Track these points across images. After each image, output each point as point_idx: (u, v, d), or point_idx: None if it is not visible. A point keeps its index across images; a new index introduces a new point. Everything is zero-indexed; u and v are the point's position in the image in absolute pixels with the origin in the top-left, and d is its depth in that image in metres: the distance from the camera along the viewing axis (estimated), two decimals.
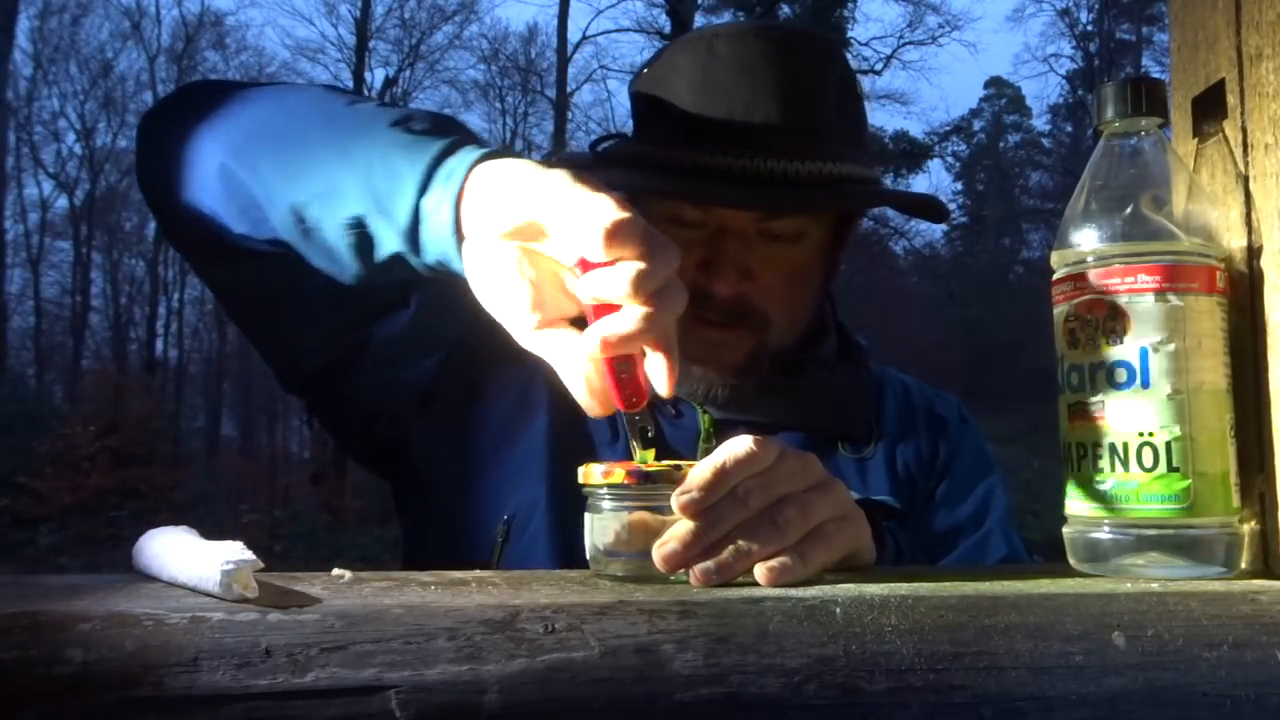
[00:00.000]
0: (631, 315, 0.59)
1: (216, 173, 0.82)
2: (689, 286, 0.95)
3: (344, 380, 1.00)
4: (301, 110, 0.82)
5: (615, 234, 0.57)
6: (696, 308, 0.97)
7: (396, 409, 1.03)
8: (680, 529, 0.61)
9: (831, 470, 1.02)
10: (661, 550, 0.60)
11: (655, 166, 0.97)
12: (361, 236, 0.72)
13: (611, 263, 0.59)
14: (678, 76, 0.99)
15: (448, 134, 0.70)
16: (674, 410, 1.03)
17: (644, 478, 0.63)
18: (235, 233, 0.85)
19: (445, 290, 0.71)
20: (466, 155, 0.66)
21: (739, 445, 0.62)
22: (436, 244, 0.67)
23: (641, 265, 0.58)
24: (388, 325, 0.99)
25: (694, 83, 0.97)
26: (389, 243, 0.71)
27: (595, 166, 1.01)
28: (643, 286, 0.58)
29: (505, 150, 0.66)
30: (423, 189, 0.67)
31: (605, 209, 0.58)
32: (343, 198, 0.72)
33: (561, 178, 0.61)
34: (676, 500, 0.61)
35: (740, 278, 0.97)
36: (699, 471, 0.61)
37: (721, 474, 0.61)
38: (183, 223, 0.90)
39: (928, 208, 1.07)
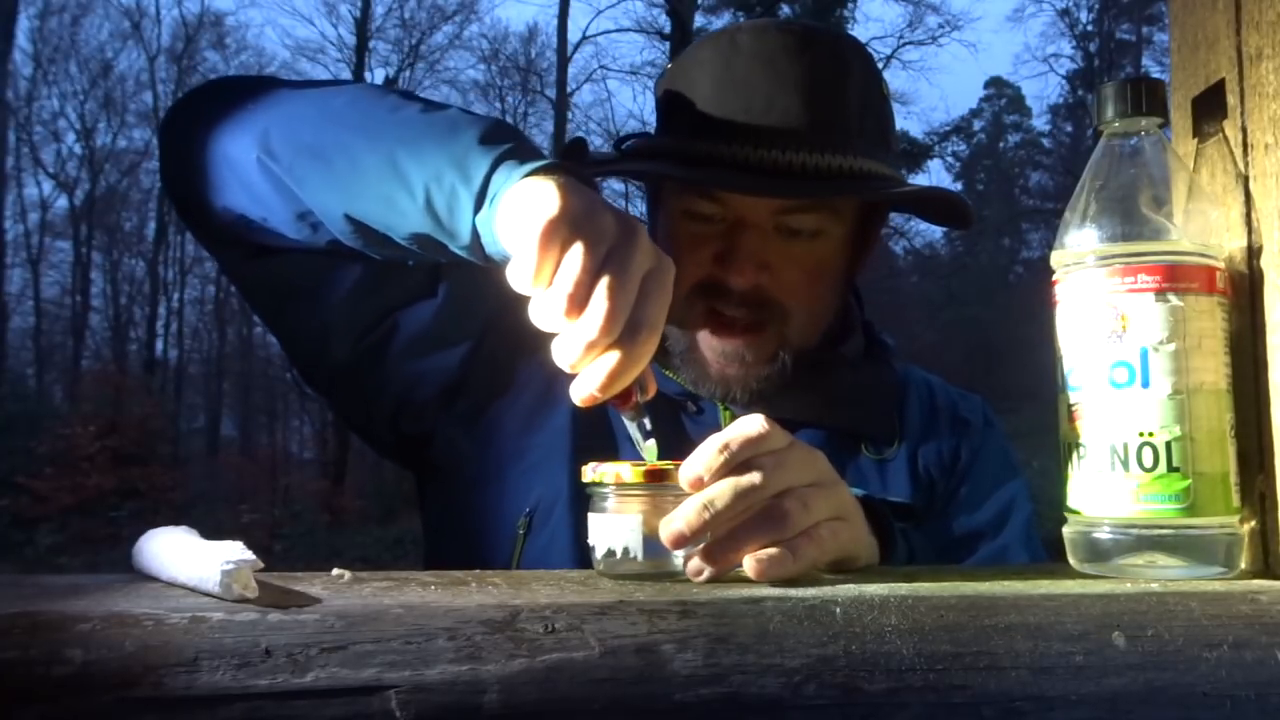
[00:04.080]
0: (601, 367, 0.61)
1: (261, 178, 0.83)
2: (705, 279, 0.98)
3: (371, 373, 1.00)
4: (344, 120, 0.82)
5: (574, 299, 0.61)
6: (713, 301, 0.97)
7: (422, 401, 1.02)
8: (689, 508, 0.61)
9: (853, 473, 1.03)
10: (669, 528, 0.60)
11: (673, 157, 0.97)
12: (427, 242, 0.75)
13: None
14: (700, 69, 0.99)
15: (496, 141, 0.71)
16: (695, 407, 1.03)
17: (646, 476, 0.63)
18: (285, 235, 0.86)
19: (473, 280, 0.73)
20: (508, 175, 0.68)
21: (750, 423, 0.63)
22: (499, 255, 0.70)
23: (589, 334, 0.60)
24: (414, 314, 0.99)
25: (715, 75, 0.97)
26: (457, 251, 0.74)
27: (616, 160, 1.01)
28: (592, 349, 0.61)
29: (543, 166, 0.67)
30: (477, 207, 0.69)
31: (565, 275, 0.61)
32: (403, 217, 0.74)
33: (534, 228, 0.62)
34: (682, 473, 0.61)
35: (757, 270, 0.96)
36: (706, 446, 0.62)
37: (728, 448, 0.61)
38: (215, 223, 0.91)
39: (950, 208, 1.03)
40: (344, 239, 0.82)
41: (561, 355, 0.62)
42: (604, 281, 0.60)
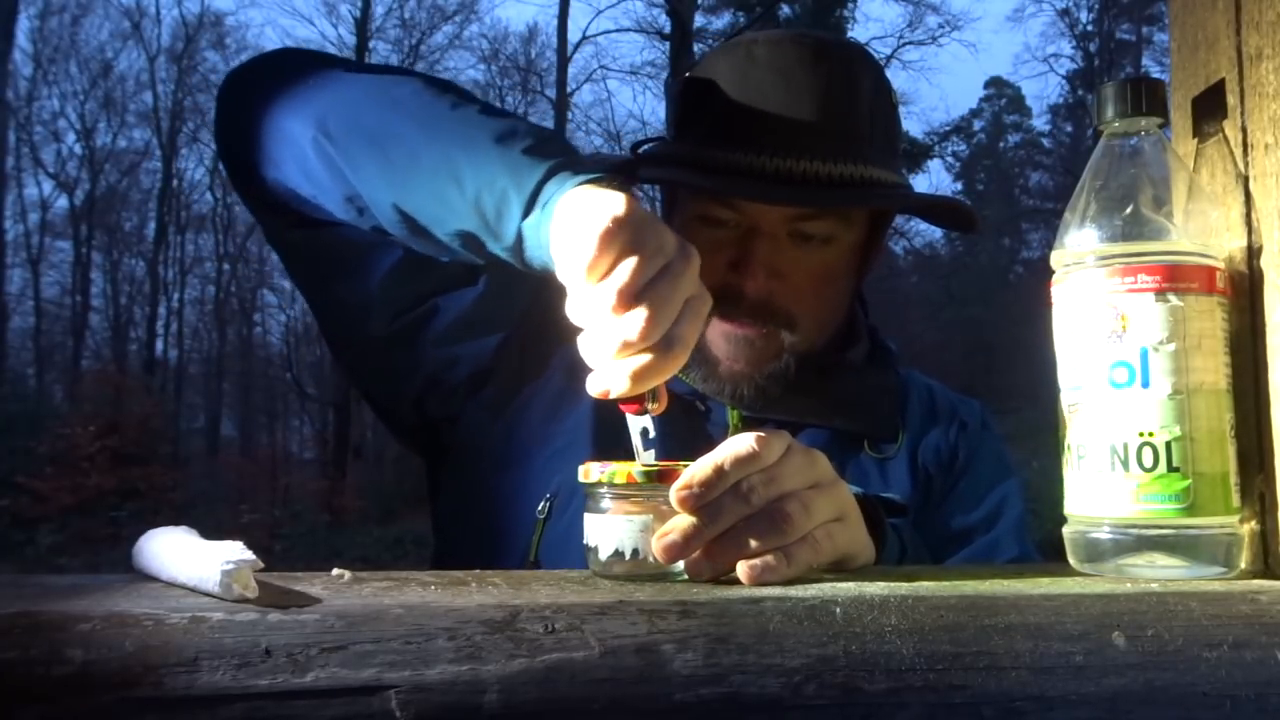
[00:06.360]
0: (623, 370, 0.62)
1: (316, 157, 0.84)
2: (718, 285, 0.99)
3: (406, 351, 1.02)
4: (405, 111, 0.83)
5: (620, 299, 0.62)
6: (725, 306, 0.99)
7: (453, 384, 1.05)
8: (682, 521, 0.61)
9: (855, 471, 1.05)
10: (662, 541, 0.61)
11: (687, 165, 0.99)
12: (469, 240, 0.76)
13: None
14: (716, 79, 1.01)
15: (549, 154, 0.73)
16: (703, 406, 1.05)
17: (645, 477, 0.63)
18: (334, 214, 0.88)
19: (514, 274, 0.76)
20: (561, 184, 0.69)
21: (741, 442, 0.63)
22: (539, 259, 0.71)
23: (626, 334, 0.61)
24: (455, 300, 1.02)
25: (731, 85, 1.00)
26: (496, 251, 0.75)
27: (631, 166, 1.03)
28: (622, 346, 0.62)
29: (598, 179, 0.68)
30: (525, 213, 0.70)
31: (610, 284, 0.62)
32: (451, 213, 0.76)
33: (584, 238, 0.63)
34: (675, 494, 0.61)
35: (769, 277, 0.99)
36: (699, 467, 0.62)
37: (720, 470, 0.61)
38: (266, 191, 0.93)
39: (957, 215, 1.08)
40: (389, 227, 0.83)
41: (592, 349, 0.63)
42: (655, 289, 0.61)
